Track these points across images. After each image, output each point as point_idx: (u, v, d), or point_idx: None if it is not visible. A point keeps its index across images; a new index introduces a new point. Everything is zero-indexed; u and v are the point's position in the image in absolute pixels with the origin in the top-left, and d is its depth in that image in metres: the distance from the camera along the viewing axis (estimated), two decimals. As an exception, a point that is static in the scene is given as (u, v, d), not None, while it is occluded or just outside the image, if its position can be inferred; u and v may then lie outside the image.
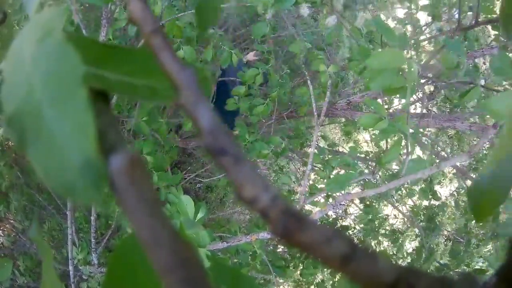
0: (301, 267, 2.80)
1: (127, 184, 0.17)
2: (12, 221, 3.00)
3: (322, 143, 3.68)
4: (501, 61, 0.97)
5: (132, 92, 0.26)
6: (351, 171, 1.76)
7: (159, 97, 0.27)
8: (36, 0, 0.26)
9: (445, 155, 2.82)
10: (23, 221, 2.82)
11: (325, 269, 3.09)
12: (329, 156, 2.30)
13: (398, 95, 1.45)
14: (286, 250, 3.22)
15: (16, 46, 0.20)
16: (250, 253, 2.11)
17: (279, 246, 3.23)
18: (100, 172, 0.16)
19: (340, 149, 4.03)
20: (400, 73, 1.12)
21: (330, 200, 1.90)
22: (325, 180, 1.93)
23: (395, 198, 3.14)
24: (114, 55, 0.25)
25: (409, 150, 1.18)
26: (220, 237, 2.03)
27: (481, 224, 2.63)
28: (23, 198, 2.76)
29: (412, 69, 1.07)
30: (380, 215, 2.95)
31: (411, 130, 1.26)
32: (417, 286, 0.14)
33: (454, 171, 3.29)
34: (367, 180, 2.50)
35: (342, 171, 2.18)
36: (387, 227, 3.36)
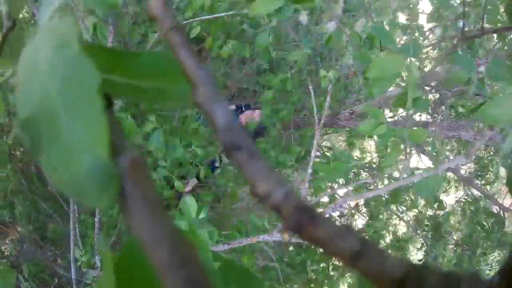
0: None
1: (129, 185, 0.17)
2: (17, 226, 3.01)
3: (328, 153, 3.68)
4: (496, 66, 0.97)
5: (140, 95, 0.26)
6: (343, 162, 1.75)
7: (168, 99, 0.27)
8: (50, 8, 0.27)
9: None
10: (27, 226, 2.82)
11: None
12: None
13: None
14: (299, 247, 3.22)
15: (29, 53, 0.21)
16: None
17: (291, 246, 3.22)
18: (112, 176, 0.17)
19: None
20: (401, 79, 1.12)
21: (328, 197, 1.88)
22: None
23: (400, 210, 3.13)
24: (122, 59, 0.25)
25: (408, 153, 1.18)
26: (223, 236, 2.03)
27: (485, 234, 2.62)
28: (27, 203, 2.76)
29: (413, 74, 1.07)
30: (383, 232, 2.95)
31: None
32: (425, 282, 0.14)
33: (458, 178, 3.27)
34: (368, 187, 2.50)
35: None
36: (391, 236, 3.34)
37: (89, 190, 0.17)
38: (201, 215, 1.27)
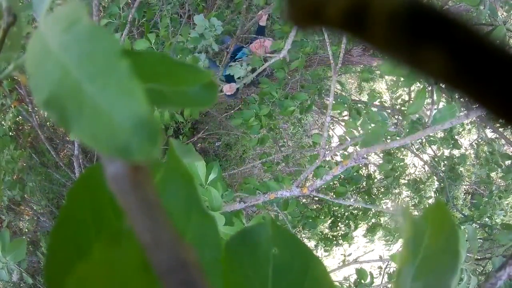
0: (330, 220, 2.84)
1: (130, 187, 0.18)
2: (31, 204, 3.07)
3: (338, 91, 3.61)
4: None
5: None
6: (381, 125, 1.66)
7: (167, 101, 0.26)
8: (46, 2, 0.26)
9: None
10: (40, 201, 2.87)
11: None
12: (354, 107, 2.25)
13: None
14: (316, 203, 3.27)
15: (37, 42, 0.21)
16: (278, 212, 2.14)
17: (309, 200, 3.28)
18: (153, 126, 0.17)
19: (356, 99, 3.95)
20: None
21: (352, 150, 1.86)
22: (359, 131, 1.86)
23: (416, 146, 3.09)
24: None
25: (435, 99, 1.13)
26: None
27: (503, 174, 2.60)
28: (39, 178, 2.80)
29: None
30: (401, 164, 2.91)
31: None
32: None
33: (473, 120, 3.21)
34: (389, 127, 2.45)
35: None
36: (408, 177, 3.33)
37: (130, 146, 0.17)
38: (211, 176, 1.23)
